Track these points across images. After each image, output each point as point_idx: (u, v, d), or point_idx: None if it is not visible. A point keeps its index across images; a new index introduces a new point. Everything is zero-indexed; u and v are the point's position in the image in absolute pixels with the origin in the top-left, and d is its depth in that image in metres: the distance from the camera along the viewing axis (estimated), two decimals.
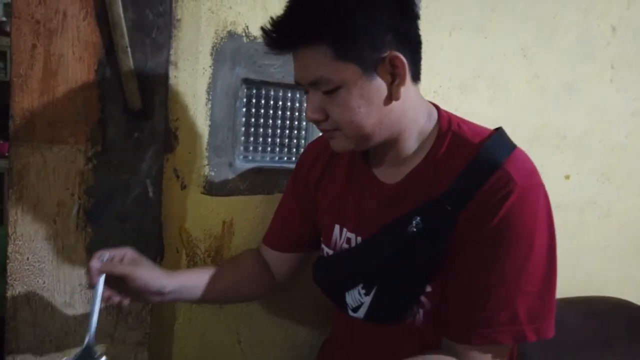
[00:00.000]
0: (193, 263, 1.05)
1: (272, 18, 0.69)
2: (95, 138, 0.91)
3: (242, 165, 1.07)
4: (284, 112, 1.11)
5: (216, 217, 1.05)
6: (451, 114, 0.80)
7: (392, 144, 0.75)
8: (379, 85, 0.68)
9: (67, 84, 0.86)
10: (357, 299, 0.80)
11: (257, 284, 0.97)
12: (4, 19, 3.92)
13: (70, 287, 0.91)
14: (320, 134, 0.80)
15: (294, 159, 1.14)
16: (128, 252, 0.78)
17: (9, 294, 0.87)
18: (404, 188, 0.76)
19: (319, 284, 0.89)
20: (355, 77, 0.67)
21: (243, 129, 1.07)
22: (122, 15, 0.87)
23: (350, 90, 0.67)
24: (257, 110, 1.09)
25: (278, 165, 1.12)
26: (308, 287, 0.97)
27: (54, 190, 0.88)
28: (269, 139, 1.11)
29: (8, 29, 3.77)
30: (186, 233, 1.03)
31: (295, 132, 1.13)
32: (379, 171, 0.80)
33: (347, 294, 0.81)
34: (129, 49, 0.88)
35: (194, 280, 0.87)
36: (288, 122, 1.12)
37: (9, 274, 0.87)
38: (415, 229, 0.71)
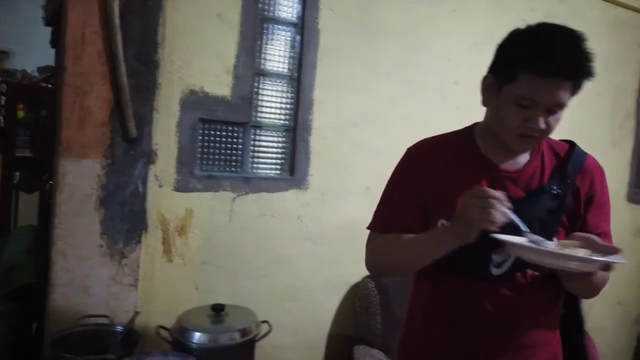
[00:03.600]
0: (166, 236, 1.64)
1: (557, 54, 0.88)
2: (107, 155, 1.50)
3: (199, 172, 1.68)
4: (226, 139, 1.73)
5: (181, 206, 1.65)
6: None
7: None
8: None
9: (92, 123, 1.46)
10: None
11: None
12: None
13: (90, 245, 1.49)
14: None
15: (233, 169, 1.75)
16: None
17: (53, 249, 1.44)
18: (523, 173, 1.01)
19: (456, 254, 0.93)
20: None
21: (199, 149, 1.68)
22: (126, 82, 1.48)
23: (563, 111, 0.93)
24: (209, 138, 1.70)
25: (222, 173, 1.73)
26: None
27: (82, 186, 1.47)
28: (216, 156, 1.73)
29: None
30: (162, 216, 1.62)
31: (234, 152, 1.75)
32: (504, 164, 1.01)
33: (493, 252, 0.96)
34: (129, 102, 1.49)
35: None
36: (229, 145, 1.74)
37: (55, 237, 1.44)
38: (556, 192, 0.98)
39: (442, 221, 0.97)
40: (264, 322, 1.51)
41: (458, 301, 1.01)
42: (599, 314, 2.88)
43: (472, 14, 2.18)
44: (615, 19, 2.68)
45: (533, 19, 2.33)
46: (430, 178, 1.02)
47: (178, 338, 1.33)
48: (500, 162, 1.01)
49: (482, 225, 0.83)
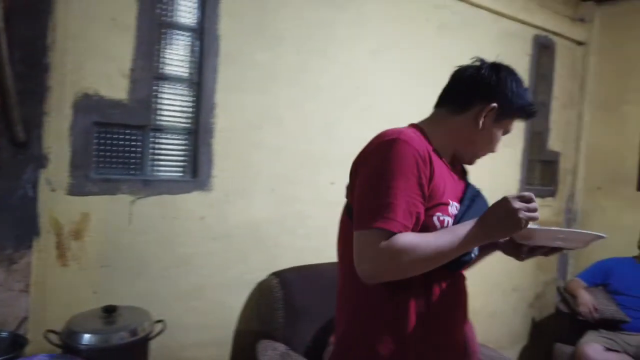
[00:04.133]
0: (60, 240, 1.63)
1: (531, 103, 1.14)
2: None
3: (95, 176, 1.68)
4: (124, 142, 1.74)
5: (76, 210, 1.64)
6: None
7: None
8: None
9: None
10: None
11: None
12: None
13: None
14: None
15: (132, 172, 1.77)
16: None
17: None
18: (456, 173, 1.18)
19: None
20: None
21: (95, 153, 1.69)
22: (12, 86, 1.46)
23: None
24: (106, 141, 1.71)
25: (120, 176, 1.74)
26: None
27: None
28: (114, 160, 1.73)
29: None
30: (54, 220, 1.61)
31: (132, 155, 1.77)
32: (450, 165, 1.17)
33: None
34: (16, 106, 1.47)
35: None
36: (127, 148, 1.75)
37: None
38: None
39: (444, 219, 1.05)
40: (159, 321, 1.54)
41: (447, 296, 1.09)
42: (496, 300, 3.14)
43: (369, 23, 2.32)
44: (504, 30, 2.94)
45: (429, 29, 2.53)
46: (428, 170, 1.02)
47: (67, 341, 1.34)
48: (452, 167, 1.17)
49: (527, 224, 0.96)
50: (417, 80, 2.51)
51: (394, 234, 0.95)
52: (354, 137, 2.31)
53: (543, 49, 3.26)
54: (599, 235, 1.06)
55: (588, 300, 2.78)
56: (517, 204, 0.94)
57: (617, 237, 3.29)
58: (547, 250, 1.11)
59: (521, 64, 3.09)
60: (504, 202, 0.96)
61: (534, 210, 0.95)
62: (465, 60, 2.88)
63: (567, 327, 2.89)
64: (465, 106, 1.12)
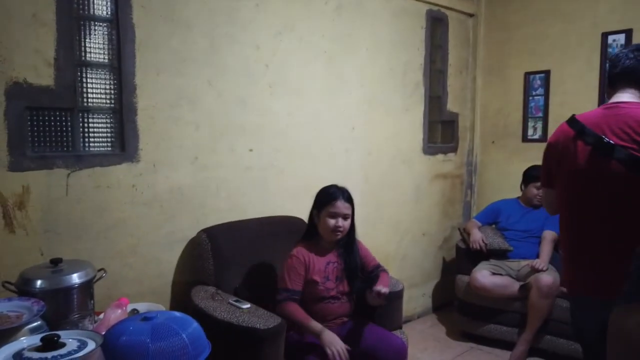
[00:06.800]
0: (6, 211, 1.88)
1: None
2: None
3: (31, 154, 1.93)
4: (55, 123, 2.00)
5: (18, 184, 1.90)
6: None
7: None
8: None
9: None
10: None
11: None
12: None
13: None
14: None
15: (65, 149, 2.03)
16: None
17: None
18: None
19: None
20: None
21: (30, 133, 1.93)
22: None
23: None
24: (39, 123, 1.96)
25: (54, 153, 2.00)
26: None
27: None
28: (47, 138, 1.99)
29: None
30: (0, 194, 1.86)
31: (64, 133, 2.03)
32: None
33: None
34: None
35: None
36: (58, 128, 2.01)
37: None
38: None
39: None
40: (100, 269, 1.83)
41: None
42: (409, 244, 3.62)
43: (272, 7, 2.64)
44: (398, 7, 3.32)
45: (327, 10, 2.88)
46: None
47: (22, 288, 1.61)
48: None
49: None
50: (319, 57, 2.87)
51: None
52: (266, 109, 2.67)
53: (436, 22, 3.69)
54: None
55: (478, 236, 3.30)
56: None
57: (506, 182, 3.85)
58: None
59: (418, 37, 3.51)
60: None
61: None
62: (362, 37, 3.27)
63: (465, 260, 3.41)
64: None
